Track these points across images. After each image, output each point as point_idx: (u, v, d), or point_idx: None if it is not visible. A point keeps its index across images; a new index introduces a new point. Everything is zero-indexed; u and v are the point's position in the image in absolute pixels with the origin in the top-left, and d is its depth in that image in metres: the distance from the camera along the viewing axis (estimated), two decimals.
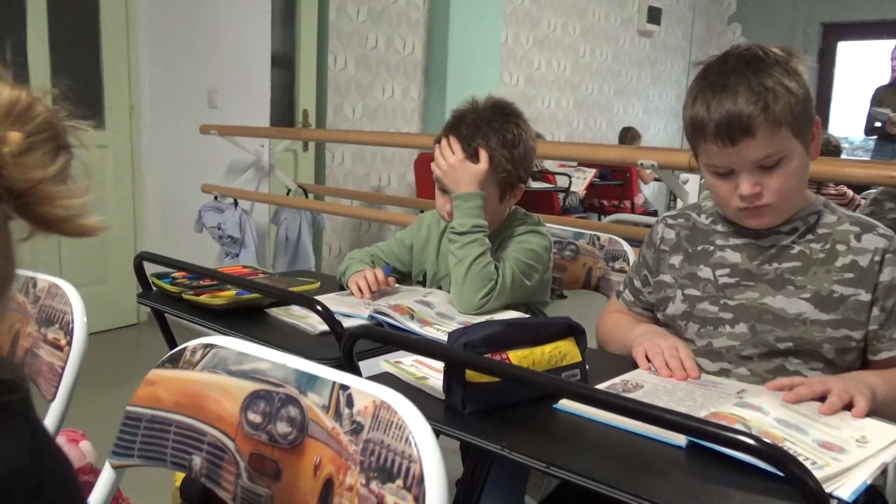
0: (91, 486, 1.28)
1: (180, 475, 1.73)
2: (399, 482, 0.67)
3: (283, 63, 4.52)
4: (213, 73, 3.58)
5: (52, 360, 1.10)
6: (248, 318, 1.40)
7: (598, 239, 1.90)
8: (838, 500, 0.76)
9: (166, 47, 3.79)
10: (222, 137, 3.29)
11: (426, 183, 4.45)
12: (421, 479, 0.66)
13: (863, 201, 2.71)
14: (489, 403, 0.98)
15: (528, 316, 1.46)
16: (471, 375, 0.96)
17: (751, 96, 1.06)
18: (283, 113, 4.55)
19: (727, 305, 1.18)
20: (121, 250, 3.94)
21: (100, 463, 1.12)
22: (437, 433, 0.98)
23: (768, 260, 1.17)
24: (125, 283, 3.77)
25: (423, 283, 1.70)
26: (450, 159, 1.50)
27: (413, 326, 1.33)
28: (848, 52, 7.78)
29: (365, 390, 0.74)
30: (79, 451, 1.64)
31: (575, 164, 5.68)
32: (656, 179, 6.75)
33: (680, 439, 0.87)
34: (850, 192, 3.50)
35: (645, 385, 1.06)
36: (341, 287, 1.68)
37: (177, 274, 1.56)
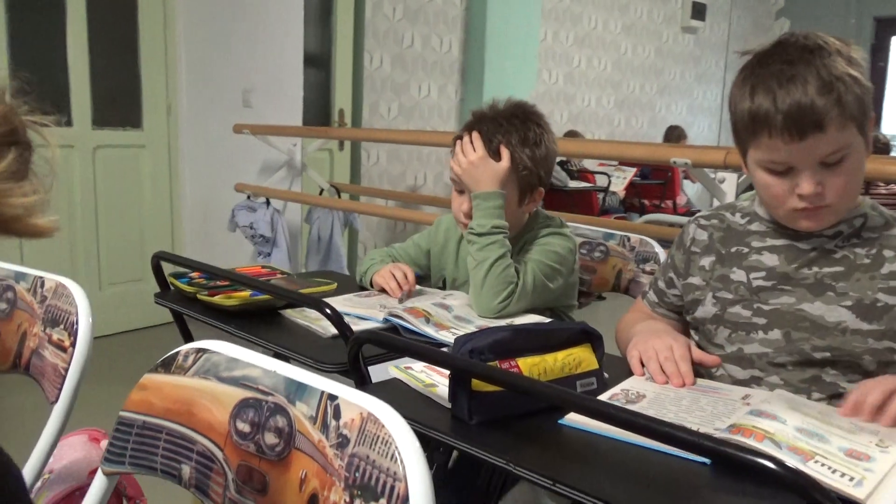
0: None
1: None
2: (383, 501, 0.63)
3: (319, 62, 4.52)
4: (248, 73, 3.59)
5: (57, 361, 1.08)
6: (261, 320, 1.38)
7: (629, 240, 1.83)
8: None
9: (203, 47, 3.81)
10: (255, 137, 3.29)
11: None
12: (406, 499, 0.61)
13: None
14: (496, 413, 0.93)
15: (549, 321, 1.40)
16: (477, 384, 0.91)
17: (822, 86, 0.97)
18: (319, 112, 4.56)
19: (761, 310, 1.11)
20: (158, 249, 3.98)
21: None
22: (440, 444, 0.94)
23: (808, 264, 1.10)
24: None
25: (443, 289, 1.65)
26: (470, 156, 1.45)
27: (428, 330, 1.28)
28: None
29: (353, 401, 0.70)
30: (99, 449, 1.63)
31: (615, 163, 5.58)
32: None
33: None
34: None
35: (647, 394, 1.00)
36: (361, 288, 1.65)
37: (194, 274, 1.54)
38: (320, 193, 3.57)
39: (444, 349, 1.02)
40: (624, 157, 2.60)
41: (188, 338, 1.61)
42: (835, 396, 1.05)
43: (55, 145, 0.57)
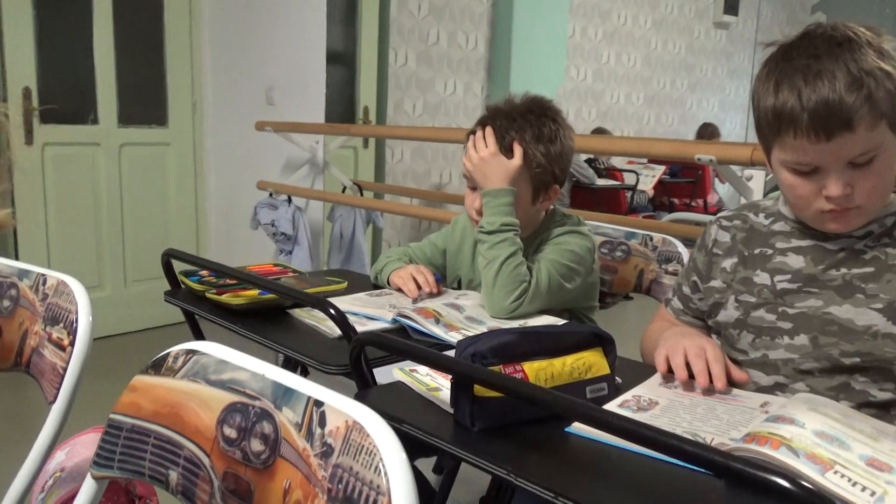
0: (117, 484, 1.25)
1: None
2: None
3: (344, 60, 4.51)
4: (271, 71, 3.58)
5: (56, 360, 1.06)
6: (268, 319, 1.35)
7: (651, 239, 1.78)
8: None
9: (228, 45, 3.82)
10: (277, 134, 3.28)
11: None
12: None
13: None
14: (500, 420, 0.89)
15: (565, 322, 1.35)
16: (480, 389, 0.87)
17: (851, 82, 0.91)
18: (344, 110, 4.54)
19: (786, 314, 1.05)
20: (183, 247, 3.98)
21: None
22: (441, 450, 0.90)
23: (836, 265, 1.03)
24: None
25: (458, 290, 1.61)
26: (482, 152, 1.41)
27: (437, 331, 1.24)
28: None
29: (339, 408, 0.66)
30: None
31: (644, 160, 5.49)
32: None
33: None
34: None
35: (660, 401, 0.95)
36: (375, 286, 1.61)
37: (204, 272, 1.52)
38: (343, 191, 3.54)
39: (450, 352, 0.98)
40: (647, 153, 2.53)
41: (199, 336, 1.59)
42: (864, 405, 0.99)
43: (15, 139, 0.54)
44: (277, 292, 1.23)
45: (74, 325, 1.07)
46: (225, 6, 3.79)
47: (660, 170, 5.31)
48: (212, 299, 1.40)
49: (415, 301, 1.45)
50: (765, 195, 1.95)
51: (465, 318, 1.33)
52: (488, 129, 1.42)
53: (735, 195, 6.88)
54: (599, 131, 5.26)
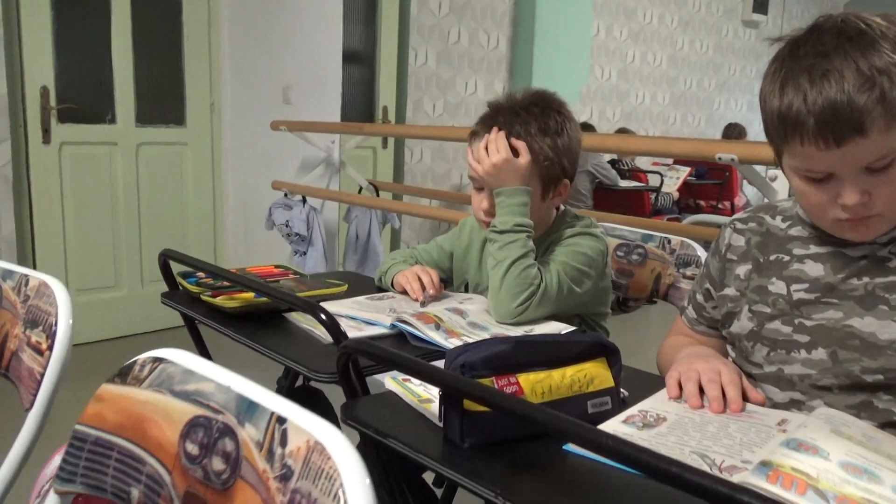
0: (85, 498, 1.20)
1: None
2: None
3: (364, 59, 4.47)
4: (288, 70, 3.55)
5: (33, 365, 1.02)
6: (263, 323, 1.30)
7: (669, 242, 1.70)
8: None
9: (246, 44, 3.79)
10: (293, 134, 3.24)
11: None
12: None
13: None
14: (492, 436, 0.82)
15: (572, 329, 1.28)
16: (470, 403, 0.81)
17: (862, 82, 0.82)
18: (363, 110, 4.50)
19: (803, 326, 0.97)
20: (200, 247, 3.98)
21: None
22: (423, 467, 0.83)
23: (857, 273, 0.95)
24: None
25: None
26: (493, 158, 1.34)
27: (437, 338, 1.18)
28: None
29: (302, 426, 0.60)
30: None
31: (669, 161, 5.38)
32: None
33: None
34: None
35: (668, 417, 0.88)
36: (379, 289, 1.56)
37: (201, 273, 1.47)
38: (359, 192, 3.50)
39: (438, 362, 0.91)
40: (666, 152, 2.43)
41: (198, 340, 1.55)
42: (888, 424, 0.91)
43: None
44: (269, 295, 1.18)
45: (53, 328, 1.02)
46: (244, 5, 3.76)
47: (685, 171, 5.20)
48: (206, 302, 1.35)
49: (422, 304, 1.39)
50: (790, 196, 1.86)
51: (467, 323, 1.27)
52: (500, 134, 1.35)
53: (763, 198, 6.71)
54: (623, 131, 5.16)
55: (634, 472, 0.75)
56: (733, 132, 6.03)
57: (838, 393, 0.94)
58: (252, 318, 1.31)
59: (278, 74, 3.64)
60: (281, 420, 0.62)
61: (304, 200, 3.17)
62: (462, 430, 0.81)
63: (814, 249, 0.99)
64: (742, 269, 1.06)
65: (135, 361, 0.78)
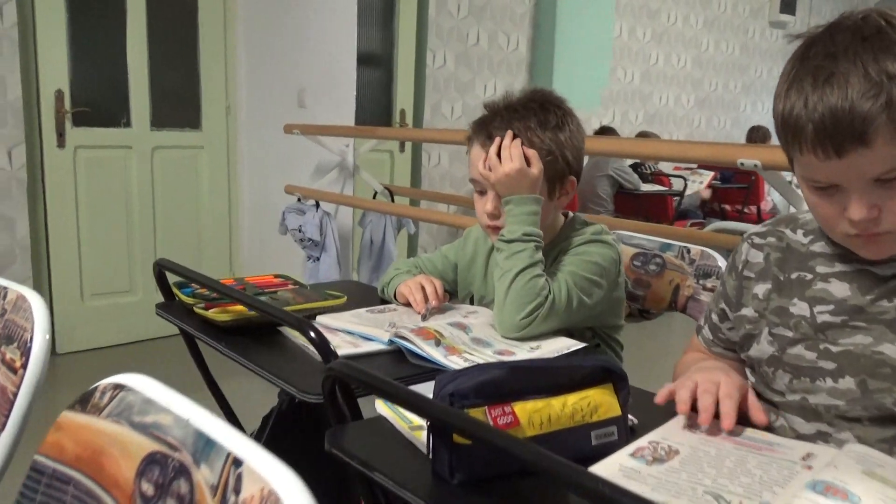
0: None
1: None
2: None
3: (381, 61, 4.41)
4: (303, 72, 3.51)
5: (6, 384, 0.97)
6: (256, 337, 1.24)
7: (689, 252, 1.61)
8: None
9: (262, 47, 3.75)
10: (307, 138, 3.19)
11: None
12: None
13: None
14: (484, 472, 0.75)
15: (582, 345, 1.21)
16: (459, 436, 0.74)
17: (868, 88, 0.75)
18: (381, 112, 4.45)
19: (828, 352, 0.89)
20: (215, 252, 3.95)
21: None
22: None
23: (888, 294, 0.87)
24: None
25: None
26: (506, 167, 1.27)
27: (436, 355, 1.11)
28: None
29: (258, 471, 0.53)
30: None
31: (694, 165, 5.27)
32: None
33: None
34: None
35: (681, 450, 0.80)
36: (383, 301, 1.49)
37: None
38: (374, 196, 3.44)
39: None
40: (684, 157, 2.33)
41: (196, 353, 1.50)
42: None
43: None
44: (258, 309, 1.12)
45: (28, 344, 0.97)
46: (259, 8, 3.73)
47: (708, 175, 5.07)
48: (200, 314, 1.29)
49: (423, 317, 1.33)
50: None
51: (470, 339, 1.20)
52: (516, 142, 1.29)
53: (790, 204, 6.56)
54: (644, 135, 5.06)
55: None
56: (757, 135, 5.87)
57: (868, 425, 0.85)
58: (246, 331, 1.25)
59: (293, 77, 3.60)
60: (237, 462, 0.55)
61: (318, 205, 3.12)
62: (451, 465, 0.74)
63: (839, 267, 0.91)
64: (760, 288, 0.98)
65: (96, 387, 0.72)
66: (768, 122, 6.61)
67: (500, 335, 1.23)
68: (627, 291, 1.69)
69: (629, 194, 4.76)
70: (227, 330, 1.26)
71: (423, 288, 1.37)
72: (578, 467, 0.57)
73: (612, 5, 5.21)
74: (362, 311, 1.37)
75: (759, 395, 0.97)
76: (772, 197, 5.70)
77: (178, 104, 3.78)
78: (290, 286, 1.47)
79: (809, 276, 0.93)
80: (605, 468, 0.76)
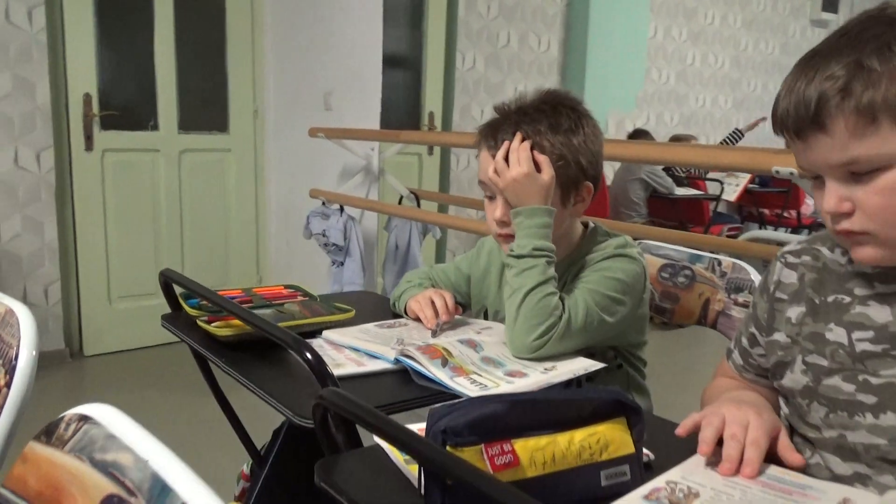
0: None
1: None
2: None
3: (410, 63, 4.36)
4: (330, 75, 3.47)
5: None
6: (258, 353, 1.19)
7: (720, 264, 1.53)
8: None
9: (289, 50, 3.73)
10: (332, 141, 3.15)
11: None
12: None
13: None
14: None
15: (601, 366, 1.13)
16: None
17: (837, 72, 0.73)
18: (410, 115, 4.40)
19: (868, 384, 0.80)
20: (242, 256, 3.94)
21: None
22: None
23: None
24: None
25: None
26: (514, 172, 1.20)
27: (441, 377, 1.05)
28: None
29: None
30: None
31: None
32: None
33: None
34: None
35: (702, 492, 0.72)
36: (395, 315, 1.43)
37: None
38: (399, 201, 3.39)
39: (418, 427, 0.78)
40: (714, 164, 2.22)
41: (203, 364, 1.45)
42: None
43: None
44: (253, 326, 1.07)
45: (13, 362, 0.93)
46: (286, 10, 3.70)
47: (745, 178, 4.92)
48: (203, 328, 1.25)
49: (434, 334, 1.27)
50: None
51: (480, 358, 1.13)
52: (524, 145, 1.21)
53: None
54: (677, 138, 4.93)
55: None
56: None
57: None
58: (249, 346, 1.20)
59: (320, 80, 3.56)
60: None
61: (342, 209, 3.07)
62: None
63: (879, 289, 0.82)
64: (794, 312, 0.89)
65: (62, 418, 0.67)
66: None
67: (512, 355, 1.17)
68: (655, 304, 1.61)
69: (663, 198, 4.64)
70: (230, 344, 1.21)
71: (433, 303, 1.31)
72: None
73: (647, 5, 5.10)
74: (370, 325, 1.31)
75: (793, 430, 0.89)
76: (812, 200, 5.53)
77: (206, 107, 3.77)
78: (299, 298, 1.42)
79: (847, 300, 0.84)
80: None
